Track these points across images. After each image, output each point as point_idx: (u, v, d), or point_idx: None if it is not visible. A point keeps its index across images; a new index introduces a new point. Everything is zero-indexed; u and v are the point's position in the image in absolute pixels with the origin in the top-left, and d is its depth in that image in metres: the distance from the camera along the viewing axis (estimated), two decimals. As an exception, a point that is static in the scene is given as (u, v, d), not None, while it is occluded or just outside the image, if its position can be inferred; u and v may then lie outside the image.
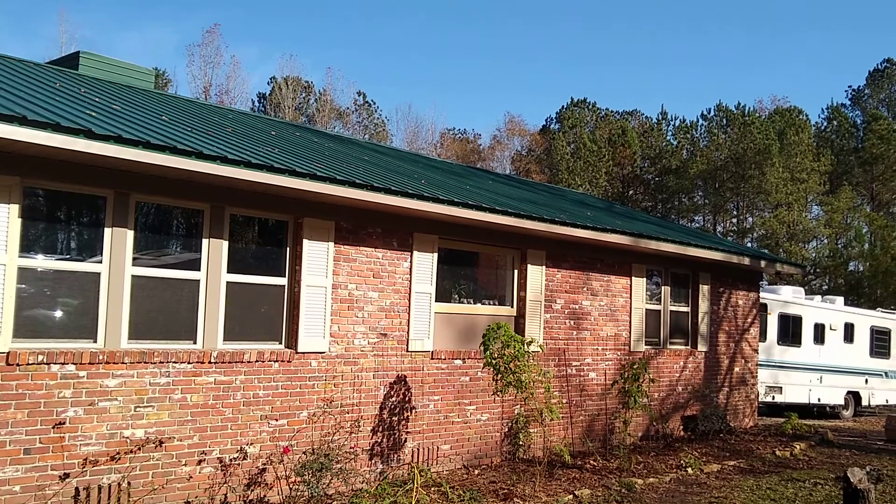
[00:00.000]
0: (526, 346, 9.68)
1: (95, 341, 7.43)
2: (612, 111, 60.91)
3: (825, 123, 55.74)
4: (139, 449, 7.43)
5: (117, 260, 7.55)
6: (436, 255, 10.41)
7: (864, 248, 44.68)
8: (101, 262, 7.49)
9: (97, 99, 9.16)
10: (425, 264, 10.26)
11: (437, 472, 10.01)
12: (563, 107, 60.31)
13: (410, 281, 10.07)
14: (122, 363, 7.41)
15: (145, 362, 7.57)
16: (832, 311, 22.30)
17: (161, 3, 74.51)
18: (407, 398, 9.98)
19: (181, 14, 76.85)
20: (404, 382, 9.96)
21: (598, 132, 56.16)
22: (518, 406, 11.21)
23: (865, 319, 23.60)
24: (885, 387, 23.87)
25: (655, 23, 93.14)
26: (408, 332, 10.01)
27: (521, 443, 11.20)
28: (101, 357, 7.26)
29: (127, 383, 7.45)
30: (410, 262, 10.09)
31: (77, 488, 7.06)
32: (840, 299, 23.85)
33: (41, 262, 7.22)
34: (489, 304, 11.55)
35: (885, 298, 38.17)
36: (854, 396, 22.75)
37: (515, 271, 11.77)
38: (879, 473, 11.17)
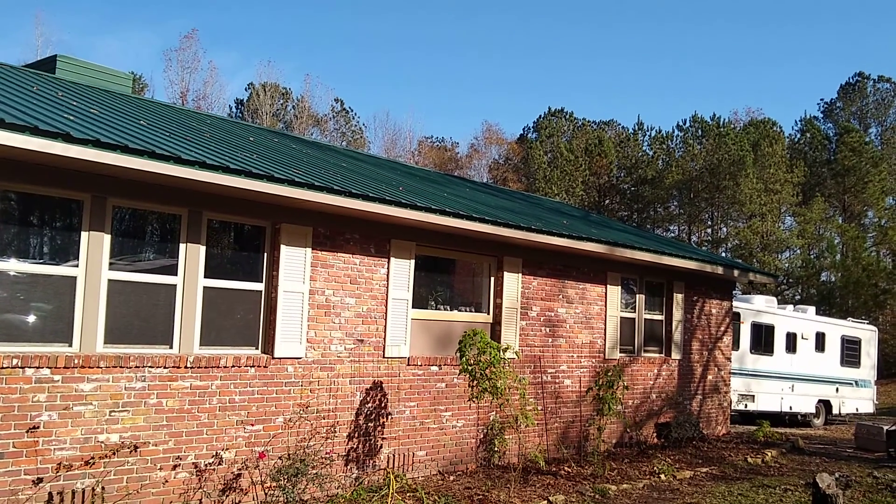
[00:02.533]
0: (502, 353, 9.74)
1: (71, 345, 7.40)
2: (588, 121, 61.60)
3: (798, 135, 56.60)
4: (114, 454, 7.40)
5: (93, 264, 7.53)
6: (413, 261, 10.46)
7: (835, 259, 45.35)
8: (77, 265, 7.47)
9: (75, 103, 9.14)
10: (402, 271, 10.31)
11: (413, 478, 10.04)
12: (540, 116, 61.00)
13: (387, 287, 10.11)
14: (98, 367, 7.39)
15: (121, 367, 7.55)
16: (804, 321, 22.61)
17: (139, 8, 74.08)
18: (383, 404, 10.02)
19: (160, 18, 76.47)
20: (380, 388, 9.99)
21: (575, 141, 56.57)
22: (493, 412, 11.26)
23: (836, 329, 23.93)
24: (856, 395, 24.20)
25: (632, 33, 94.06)
26: (384, 339, 10.05)
27: (496, 449, 11.24)
28: (76, 361, 7.24)
29: (102, 388, 7.42)
30: (388, 268, 10.14)
31: (51, 493, 7.02)
32: (812, 309, 24.21)
33: (16, 265, 7.19)
34: (466, 310, 11.61)
35: (856, 308, 38.73)
36: (825, 405, 23.06)
37: (492, 278, 11.85)
38: (848, 479, 11.36)
